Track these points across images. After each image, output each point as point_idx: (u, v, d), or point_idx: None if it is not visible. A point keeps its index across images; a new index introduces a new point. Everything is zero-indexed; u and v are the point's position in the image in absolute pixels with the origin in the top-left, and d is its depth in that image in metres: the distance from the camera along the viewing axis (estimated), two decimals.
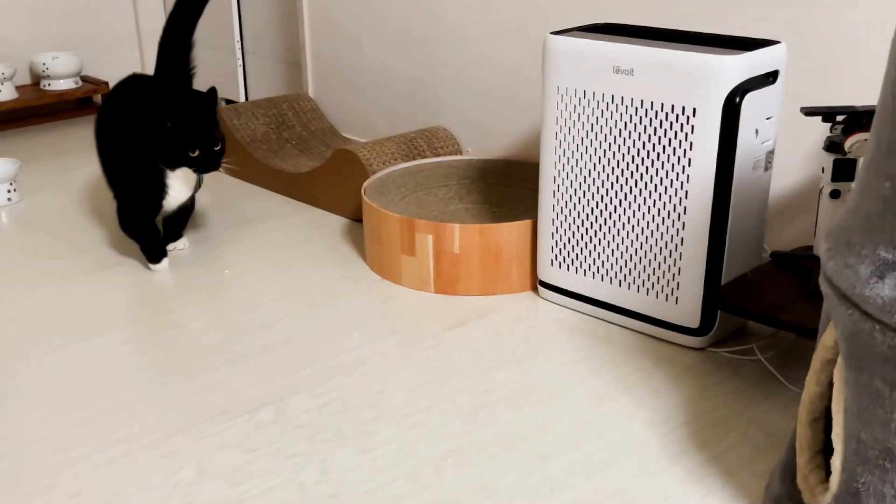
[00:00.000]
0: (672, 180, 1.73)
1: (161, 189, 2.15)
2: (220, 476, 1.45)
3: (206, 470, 1.47)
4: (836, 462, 1.07)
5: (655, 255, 1.80)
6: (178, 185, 2.17)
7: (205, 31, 3.69)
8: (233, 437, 1.56)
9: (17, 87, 3.42)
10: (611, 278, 1.88)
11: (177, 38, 2.30)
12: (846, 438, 1.05)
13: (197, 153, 2.07)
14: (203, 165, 2.10)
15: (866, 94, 1.78)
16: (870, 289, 0.97)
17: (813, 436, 1.16)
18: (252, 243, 2.38)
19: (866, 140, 1.54)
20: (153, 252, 2.23)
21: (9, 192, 2.69)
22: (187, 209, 2.31)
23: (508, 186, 2.39)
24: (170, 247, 2.31)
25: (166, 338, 1.91)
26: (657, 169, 1.74)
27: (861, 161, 1.05)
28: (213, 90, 2.15)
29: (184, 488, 1.43)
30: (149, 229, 2.21)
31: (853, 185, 1.07)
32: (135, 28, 3.76)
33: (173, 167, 2.11)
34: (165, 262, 2.24)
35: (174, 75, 2.27)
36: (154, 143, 2.09)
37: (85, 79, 3.53)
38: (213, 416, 1.62)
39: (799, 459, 1.18)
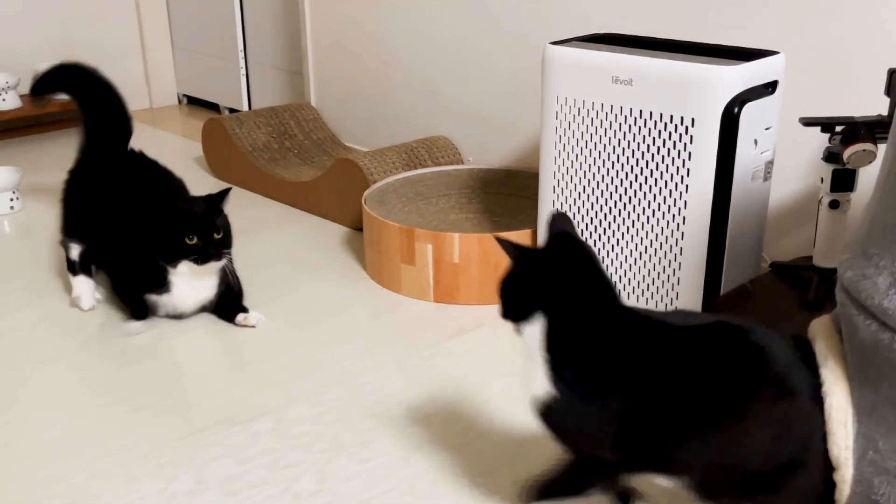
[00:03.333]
0: (671, 190, 1.72)
1: (162, 283, 1.93)
2: (216, 486, 1.45)
3: (202, 480, 1.47)
4: (846, 475, 1.06)
5: (654, 264, 1.79)
6: (185, 284, 1.93)
7: (208, 40, 3.70)
8: (229, 446, 1.56)
9: (22, 97, 3.44)
10: None
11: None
12: (858, 450, 1.04)
13: (195, 240, 1.86)
14: (204, 254, 1.86)
15: (865, 104, 1.77)
16: (888, 300, 0.96)
17: None
18: (252, 252, 2.39)
19: (865, 151, 1.53)
20: (138, 311, 2.00)
21: (11, 200, 2.70)
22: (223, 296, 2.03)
23: (508, 196, 2.39)
24: (239, 318, 2.00)
25: (164, 347, 1.91)
26: (656, 179, 1.74)
27: (879, 171, 1.05)
28: (227, 190, 1.93)
29: (180, 498, 1.42)
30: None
31: (870, 195, 1.06)
32: (139, 38, 3.78)
33: (172, 260, 1.89)
34: (142, 325, 1.99)
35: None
36: (148, 233, 1.90)
37: None
38: (209, 426, 1.62)
39: None
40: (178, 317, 2.00)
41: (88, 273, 2.10)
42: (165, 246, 1.88)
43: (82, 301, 2.07)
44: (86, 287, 2.09)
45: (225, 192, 1.93)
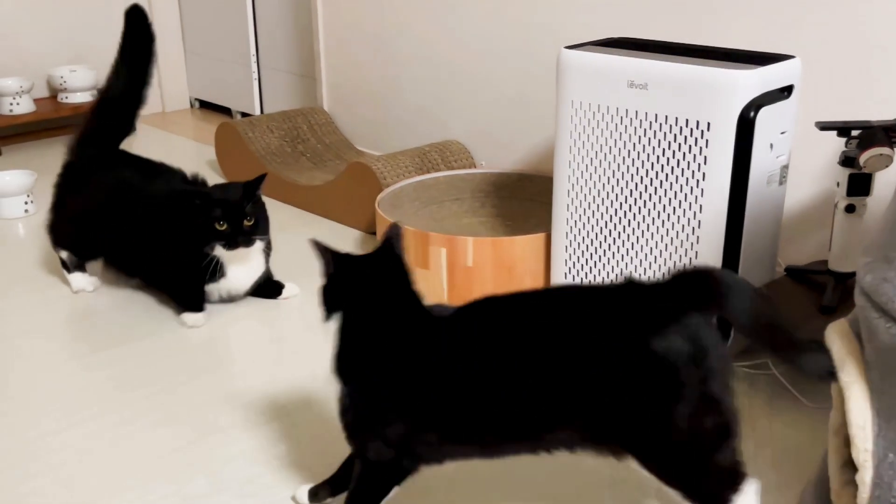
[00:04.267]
0: (686, 194, 1.72)
1: (214, 270, 1.97)
2: (231, 488, 1.45)
3: (216, 482, 1.47)
4: (866, 477, 1.06)
5: (669, 268, 1.79)
6: (237, 268, 2.01)
7: (220, 44, 3.72)
8: (244, 449, 1.56)
9: (35, 100, 3.45)
10: None
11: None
12: (878, 452, 1.04)
13: (224, 226, 1.90)
14: (232, 240, 1.91)
15: (882, 108, 1.77)
16: None
17: (846, 450, 1.15)
18: None
19: (881, 154, 1.53)
20: (195, 303, 2.03)
21: (25, 203, 2.71)
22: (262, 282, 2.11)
23: (522, 200, 2.39)
24: (284, 293, 2.14)
25: (178, 349, 1.91)
26: (671, 183, 1.74)
27: None
28: (262, 176, 1.99)
29: (194, 500, 1.43)
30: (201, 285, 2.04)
31: (890, 199, 1.06)
32: None
33: (203, 245, 1.93)
34: (203, 316, 2.02)
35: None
36: (184, 220, 1.95)
37: None
38: (224, 428, 1.62)
39: (831, 474, 1.16)
40: (231, 300, 2.08)
41: (83, 269, 2.20)
42: (196, 231, 1.92)
43: (87, 289, 2.19)
44: (84, 280, 2.19)
45: (260, 179, 1.97)
